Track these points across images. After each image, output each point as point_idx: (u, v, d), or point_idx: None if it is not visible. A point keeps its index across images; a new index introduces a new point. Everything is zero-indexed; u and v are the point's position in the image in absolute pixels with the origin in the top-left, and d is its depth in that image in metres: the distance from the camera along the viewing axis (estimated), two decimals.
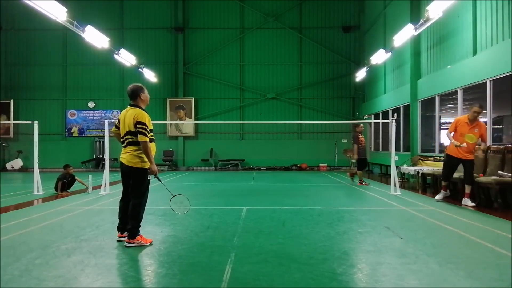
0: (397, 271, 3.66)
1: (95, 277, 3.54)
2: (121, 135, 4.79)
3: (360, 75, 18.62)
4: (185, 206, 5.54)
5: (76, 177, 10.07)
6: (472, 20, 9.85)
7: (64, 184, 9.82)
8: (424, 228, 5.64)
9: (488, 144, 7.91)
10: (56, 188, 9.80)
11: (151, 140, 4.71)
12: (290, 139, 21.12)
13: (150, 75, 19.14)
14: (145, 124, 4.58)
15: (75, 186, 10.31)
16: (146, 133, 4.57)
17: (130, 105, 4.80)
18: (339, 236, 5.14)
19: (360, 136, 11.98)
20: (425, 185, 10.57)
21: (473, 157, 7.66)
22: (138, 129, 4.57)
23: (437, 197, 8.27)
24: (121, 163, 4.76)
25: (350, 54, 21.15)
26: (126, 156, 4.69)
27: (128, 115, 4.69)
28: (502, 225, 5.71)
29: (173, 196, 5.32)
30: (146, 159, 4.64)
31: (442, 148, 11.69)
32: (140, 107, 4.77)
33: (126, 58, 16.14)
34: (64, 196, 9.27)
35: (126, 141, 4.71)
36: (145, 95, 4.86)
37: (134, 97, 4.79)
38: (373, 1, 18.99)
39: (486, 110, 9.00)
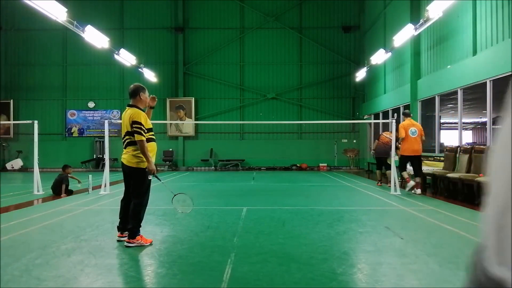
0: (397, 271, 3.66)
1: (95, 277, 3.54)
2: (122, 135, 4.82)
3: (360, 75, 18.61)
4: (188, 205, 5.48)
5: (70, 175, 9.84)
6: (472, 20, 9.85)
7: (67, 186, 9.71)
8: (424, 228, 5.64)
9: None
10: (55, 190, 9.59)
11: (152, 140, 4.73)
12: (290, 139, 21.11)
13: (150, 75, 19.13)
14: (140, 123, 4.60)
15: (75, 187, 10.28)
16: (142, 132, 4.59)
17: (128, 105, 4.84)
18: (339, 236, 5.14)
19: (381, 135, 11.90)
20: (425, 185, 10.56)
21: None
22: (134, 128, 4.59)
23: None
24: (122, 163, 4.78)
25: (350, 54, 21.14)
26: (126, 156, 4.71)
27: (126, 116, 4.73)
28: None
29: (175, 195, 5.29)
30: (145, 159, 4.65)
31: (442, 148, 11.71)
32: (138, 107, 4.79)
33: (126, 58, 16.14)
34: (62, 197, 9.22)
35: (126, 142, 4.73)
36: (145, 95, 4.90)
37: (134, 96, 4.83)
38: (373, 1, 18.98)
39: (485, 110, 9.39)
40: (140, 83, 5.02)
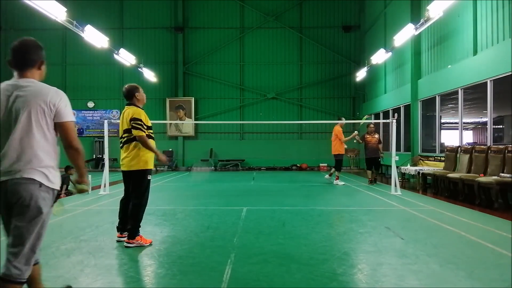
0: (397, 272, 3.64)
1: (95, 277, 3.53)
2: (120, 135, 4.80)
3: (361, 75, 18.59)
4: None
5: (70, 178, 9.80)
6: (472, 19, 9.83)
7: (67, 187, 9.70)
8: (425, 228, 5.63)
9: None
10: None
11: (150, 138, 4.72)
12: (290, 139, 21.10)
13: (149, 75, 19.12)
14: (140, 120, 4.59)
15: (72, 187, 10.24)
16: (141, 128, 4.56)
17: (127, 104, 4.82)
18: (339, 237, 5.13)
19: (367, 136, 12.58)
20: (426, 185, 10.56)
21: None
22: (133, 124, 4.55)
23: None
24: (122, 168, 4.77)
25: (350, 54, 21.12)
26: (125, 162, 4.68)
27: (125, 114, 4.72)
28: (502, 225, 5.70)
29: None
30: (143, 159, 4.62)
31: (443, 148, 11.71)
32: (137, 106, 4.78)
33: (125, 58, 16.12)
34: (61, 197, 9.19)
35: (124, 139, 4.71)
36: (141, 94, 4.87)
37: (129, 97, 4.82)
38: (373, 0, 18.97)
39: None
40: (132, 83, 4.95)
